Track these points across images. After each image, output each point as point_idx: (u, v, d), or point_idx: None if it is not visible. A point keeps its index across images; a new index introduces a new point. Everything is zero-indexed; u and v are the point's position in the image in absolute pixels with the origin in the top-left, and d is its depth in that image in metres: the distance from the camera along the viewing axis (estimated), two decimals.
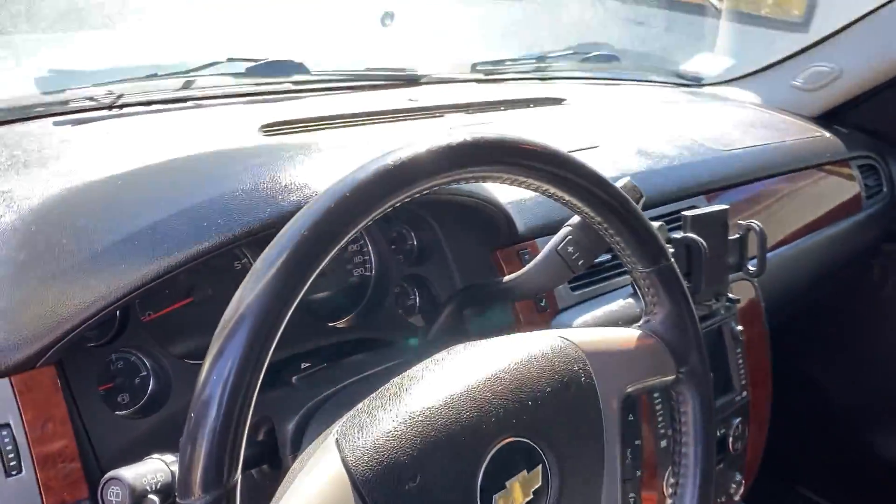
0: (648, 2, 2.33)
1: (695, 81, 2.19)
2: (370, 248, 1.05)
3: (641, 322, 0.79)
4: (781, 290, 1.56)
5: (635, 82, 2.06)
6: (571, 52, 2.01)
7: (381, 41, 1.58)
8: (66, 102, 1.16)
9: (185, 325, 0.87)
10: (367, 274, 1.05)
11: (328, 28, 1.55)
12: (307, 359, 0.93)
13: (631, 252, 0.74)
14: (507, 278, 0.94)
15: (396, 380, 0.65)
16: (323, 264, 0.54)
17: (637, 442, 1.02)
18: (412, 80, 1.62)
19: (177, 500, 0.48)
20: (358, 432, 0.59)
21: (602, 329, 0.77)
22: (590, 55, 2.01)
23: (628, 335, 0.77)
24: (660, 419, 1.08)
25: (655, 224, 0.99)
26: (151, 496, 0.49)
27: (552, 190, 0.67)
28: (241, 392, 0.50)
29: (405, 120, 1.34)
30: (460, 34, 1.86)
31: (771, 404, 1.43)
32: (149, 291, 0.71)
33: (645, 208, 1.26)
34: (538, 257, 0.91)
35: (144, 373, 0.81)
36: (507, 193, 1.06)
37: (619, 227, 0.72)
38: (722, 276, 1.13)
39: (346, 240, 0.55)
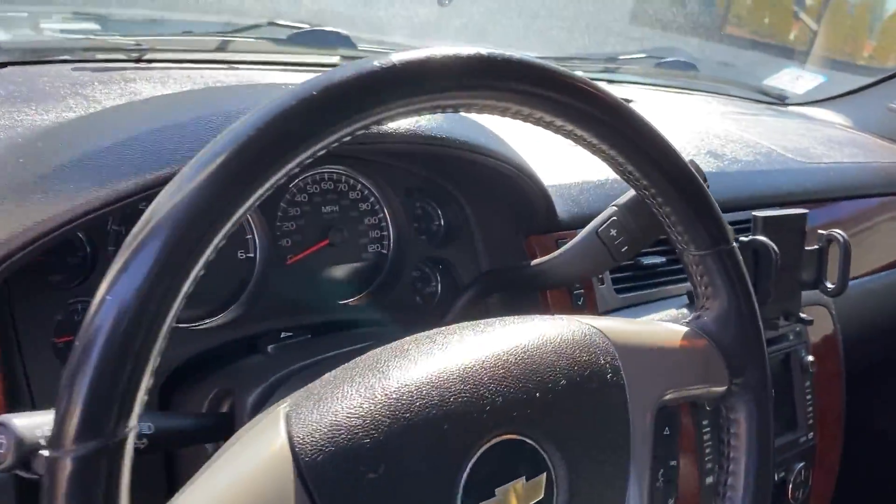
0: (736, 11, 2.17)
1: (779, 100, 2.02)
2: (389, 222, 0.94)
3: (691, 318, 0.65)
4: (861, 327, 1.38)
5: (712, 94, 1.90)
6: (645, 55, 1.87)
7: (437, 21, 1.48)
8: (90, 50, 1.09)
9: None
10: (384, 252, 0.94)
11: (381, 2, 1.46)
12: (303, 332, 0.82)
13: (684, 229, 0.60)
14: (536, 262, 0.80)
15: (376, 351, 0.52)
16: (278, 176, 0.43)
17: (672, 462, 0.86)
18: None
19: (43, 453, 0.37)
20: (314, 405, 0.47)
21: (640, 321, 0.63)
22: (665, 60, 1.86)
23: (672, 331, 0.63)
24: (707, 450, 0.93)
25: None
26: (44, 452, 0.38)
27: (582, 133, 0.54)
28: (146, 319, 0.38)
29: None
30: (520, 24, 1.74)
31: (840, 454, 1.25)
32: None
33: None
34: (576, 239, 0.77)
35: None
36: (550, 173, 0.93)
37: (671, 195, 0.59)
38: (794, 291, 0.97)
39: (309, 153, 0.43)
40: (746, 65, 2.11)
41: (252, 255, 0.84)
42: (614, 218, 0.74)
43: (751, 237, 0.91)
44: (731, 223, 1.09)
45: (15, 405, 0.63)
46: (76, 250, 0.72)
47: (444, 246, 0.97)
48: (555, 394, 0.54)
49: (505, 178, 0.89)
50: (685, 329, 0.63)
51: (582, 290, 0.92)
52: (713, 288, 0.63)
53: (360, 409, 0.47)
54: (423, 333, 0.55)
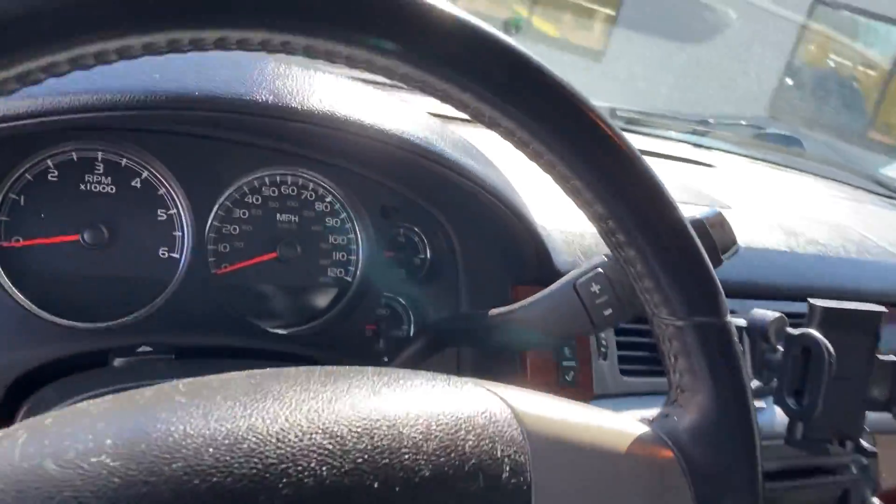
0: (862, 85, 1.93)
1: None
2: (359, 244, 0.79)
3: (657, 416, 0.46)
4: None
5: (816, 175, 1.67)
6: (743, 122, 1.67)
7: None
8: None
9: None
10: (348, 279, 0.78)
11: None
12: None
13: (654, 285, 0.42)
14: (495, 312, 0.63)
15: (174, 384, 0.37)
16: None
17: None
18: None
19: None
20: (35, 437, 0.32)
21: (577, 405, 0.44)
22: (765, 132, 1.65)
23: (622, 429, 0.44)
24: None
25: (772, 314, 0.70)
26: None
27: (509, 129, 0.38)
28: None
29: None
30: (603, 72, 1.58)
31: None
32: None
33: (770, 297, 0.91)
34: (548, 289, 0.60)
35: None
36: (551, 214, 0.76)
37: (637, 233, 0.41)
38: (856, 410, 0.74)
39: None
40: (858, 150, 1.86)
41: (177, 255, 0.71)
42: (600, 270, 0.56)
43: (802, 330, 0.70)
44: (795, 314, 0.89)
45: None
46: None
47: (425, 283, 0.81)
48: (413, 489, 0.37)
49: (493, 212, 0.73)
50: (643, 429, 0.44)
51: (574, 363, 0.74)
52: (690, 377, 0.44)
53: (88, 449, 0.31)
54: (253, 372, 0.39)
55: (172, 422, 0.33)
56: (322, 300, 0.77)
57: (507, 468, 0.39)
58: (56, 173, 0.67)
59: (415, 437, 0.38)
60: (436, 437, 0.38)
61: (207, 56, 0.69)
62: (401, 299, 0.80)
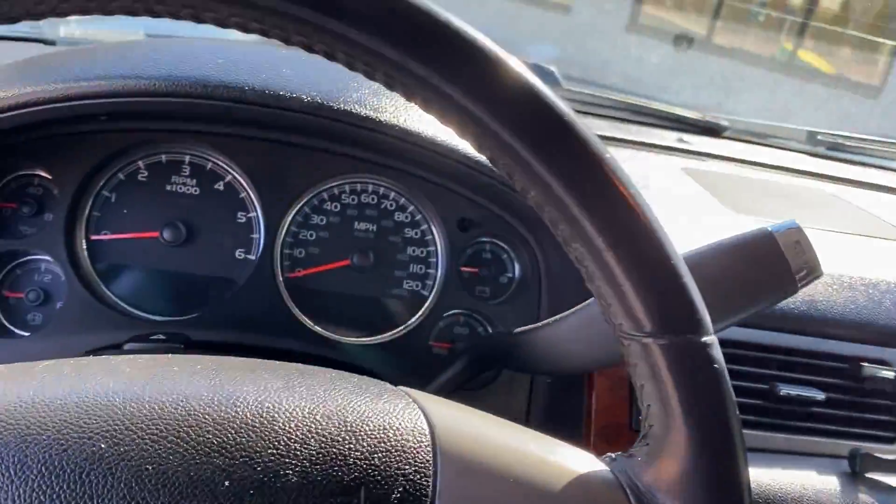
0: None
1: None
2: (439, 258, 0.75)
3: (620, 453, 0.37)
4: None
5: None
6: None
7: (667, 68, 1.24)
8: None
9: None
10: (424, 293, 0.75)
11: (598, 36, 1.26)
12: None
13: (612, 290, 0.34)
14: (525, 329, 0.55)
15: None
16: None
17: None
18: (709, 129, 1.25)
19: None
20: None
21: (519, 430, 0.37)
22: None
23: (568, 465, 0.35)
24: None
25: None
26: None
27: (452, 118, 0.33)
28: None
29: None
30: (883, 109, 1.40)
31: None
32: None
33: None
34: (582, 305, 0.52)
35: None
36: None
37: (598, 241, 0.34)
38: None
39: None
40: None
41: (252, 257, 0.73)
42: None
43: None
44: None
45: None
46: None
47: (506, 302, 0.75)
48: (269, 495, 0.32)
49: None
50: (595, 468, 0.35)
51: None
52: (660, 408, 0.34)
53: None
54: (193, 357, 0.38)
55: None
56: (394, 313, 0.74)
57: (400, 489, 0.33)
58: (146, 174, 0.72)
59: (287, 437, 0.33)
60: (315, 439, 0.34)
61: (289, 58, 0.71)
62: (479, 317, 0.75)
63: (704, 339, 0.34)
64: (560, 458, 0.35)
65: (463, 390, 0.70)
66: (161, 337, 0.63)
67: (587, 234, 0.34)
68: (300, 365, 0.39)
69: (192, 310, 0.70)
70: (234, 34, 0.36)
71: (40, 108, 0.61)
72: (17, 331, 0.68)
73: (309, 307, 0.72)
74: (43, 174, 0.70)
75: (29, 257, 0.69)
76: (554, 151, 0.33)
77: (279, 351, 0.69)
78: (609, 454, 0.37)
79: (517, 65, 0.33)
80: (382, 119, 0.65)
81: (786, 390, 0.66)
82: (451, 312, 0.74)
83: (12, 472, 0.30)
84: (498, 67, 0.32)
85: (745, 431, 0.64)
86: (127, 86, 0.62)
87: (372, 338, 0.73)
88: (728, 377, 0.34)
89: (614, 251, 0.33)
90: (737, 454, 0.33)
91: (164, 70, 0.64)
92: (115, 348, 0.62)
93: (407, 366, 0.72)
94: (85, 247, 0.70)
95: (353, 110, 0.65)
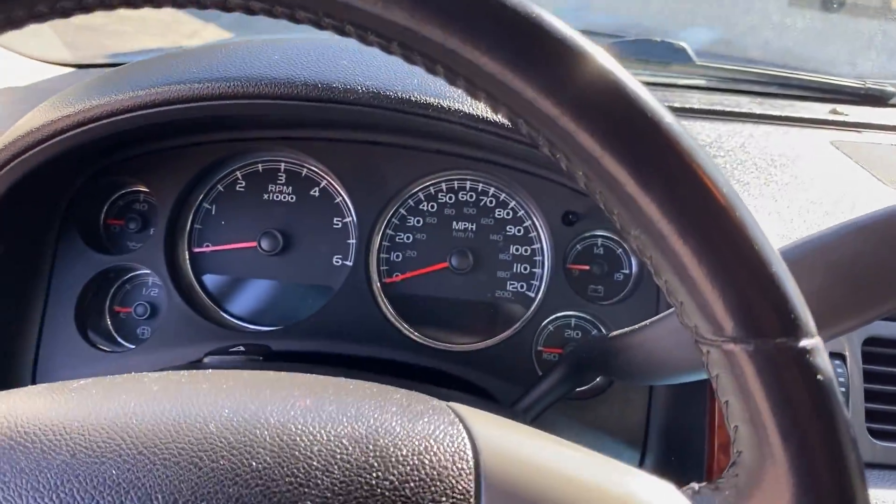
0: None
1: None
2: (546, 255, 0.69)
3: (703, 485, 0.30)
4: None
5: None
6: None
7: (815, 32, 1.10)
8: None
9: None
10: (530, 294, 0.70)
11: (733, 6, 1.15)
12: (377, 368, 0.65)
13: (691, 296, 0.28)
14: (616, 333, 0.48)
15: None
16: None
17: None
18: (872, 97, 1.11)
19: None
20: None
21: (580, 453, 0.31)
22: None
23: (638, 497, 0.29)
24: None
25: None
26: None
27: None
28: None
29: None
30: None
31: None
32: None
33: None
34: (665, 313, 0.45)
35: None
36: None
37: (668, 230, 0.27)
38: None
39: None
40: None
41: (349, 263, 0.70)
42: None
43: None
44: None
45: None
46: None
47: (624, 300, 0.68)
48: None
49: None
50: (675, 498, 0.29)
51: None
52: (750, 432, 0.27)
53: None
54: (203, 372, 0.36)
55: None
56: (497, 317, 0.70)
57: None
58: (244, 184, 0.71)
59: (307, 464, 0.30)
60: (339, 466, 0.30)
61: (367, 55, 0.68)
62: (591, 319, 0.68)
63: (804, 342, 0.27)
64: (628, 489, 0.29)
65: (571, 400, 0.64)
66: (241, 349, 0.62)
67: (648, 219, 0.28)
68: (338, 379, 0.36)
69: (291, 318, 0.69)
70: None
71: (137, 113, 0.61)
72: (126, 344, 0.70)
73: (406, 313, 0.69)
74: (144, 189, 0.71)
75: (137, 272, 0.71)
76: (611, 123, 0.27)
77: (372, 360, 0.67)
78: (693, 485, 0.30)
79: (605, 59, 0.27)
80: (476, 114, 0.61)
81: None
82: (559, 314, 0.68)
83: (24, 499, 0.29)
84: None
85: (885, 445, 0.54)
86: (219, 87, 0.60)
87: (473, 344, 0.69)
88: (837, 391, 0.27)
89: (684, 238, 0.27)
90: (854, 496, 0.26)
91: (256, 71, 0.62)
92: (198, 363, 0.62)
93: (513, 374, 0.67)
94: (187, 258, 0.71)
95: (447, 105, 0.61)
